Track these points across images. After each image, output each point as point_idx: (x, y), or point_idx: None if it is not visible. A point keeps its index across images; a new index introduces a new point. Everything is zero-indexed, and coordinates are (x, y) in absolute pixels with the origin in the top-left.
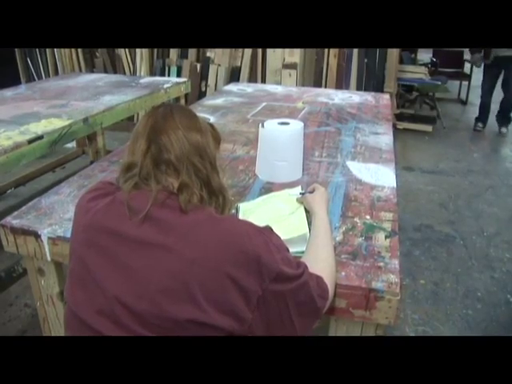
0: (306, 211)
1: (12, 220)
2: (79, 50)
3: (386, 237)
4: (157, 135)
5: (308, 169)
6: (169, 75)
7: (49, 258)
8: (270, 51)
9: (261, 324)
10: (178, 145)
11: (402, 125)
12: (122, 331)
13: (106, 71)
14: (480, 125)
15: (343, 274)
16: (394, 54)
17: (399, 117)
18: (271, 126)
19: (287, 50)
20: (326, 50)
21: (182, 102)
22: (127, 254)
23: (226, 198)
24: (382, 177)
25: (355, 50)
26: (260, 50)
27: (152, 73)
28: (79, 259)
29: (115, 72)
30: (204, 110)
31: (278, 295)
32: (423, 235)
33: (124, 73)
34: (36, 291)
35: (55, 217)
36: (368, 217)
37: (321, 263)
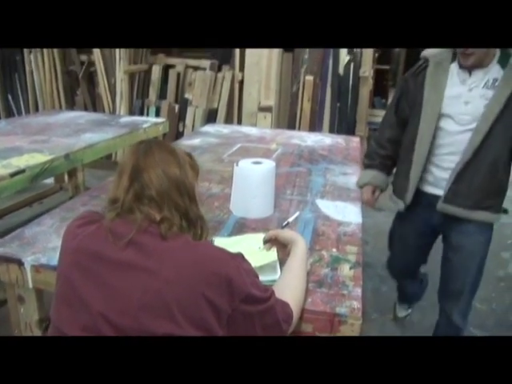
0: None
1: None
2: (60, 87)
3: (350, 268)
4: (138, 173)
5: (280, 205)
6: (147, 115)
7: (30, 286)
8: (246, 94)
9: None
10: (157, 182)
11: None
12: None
13: (86, 109)
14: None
15: (310, 300)
16: (364, 98)
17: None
18: (245, 164)
19: (263, 94)
20: (300, 94)
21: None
22: (111, 274)
23: (203, 227)
24: (348, 214)
25: (328, 95)
26: (237, 93)
27: (131, 112)
28: (66, 279)
29: (95, 110)
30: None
31: (246, 315)
32: None
33: (104, 111)
34: (15, 319)
35: (38, 246)
36: (334, 250)
37: (290, 291)
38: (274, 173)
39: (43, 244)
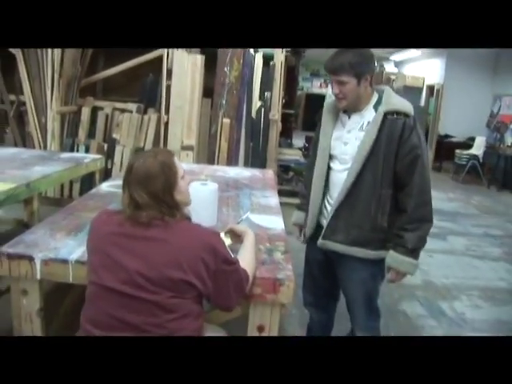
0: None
1: (7, 248)
2: None
3: (281, 254)
4: (131, 192)
5: (220, 219)
6: (77, 153)
7: (38, 277)
8: (170, 135)
9: (213, 290)
10: (143, 198)
11: (281, 199)
12: (139, 291)
13: (16, 146)
14: None
15: (257, 272)
16: (274, 138)
17: (279, 192)
18: (195, 185)
19: (185, 134)
20: (219, 134)
21: (97, 176)
22: (140, 245)
23: (180, 211)
24: (273, 223)
25: (242, 135)
26: (162, 133)
27: (62, 150)
28: (103, 252)
29: (25, 148)
30: None
31: (224, 272)
32: None
33: (34, 149)
34: (16, 310)
35: (41, 246)
36: (268, 244)
37: (246, 262)
38: (217, 191)
39: (45, 245)
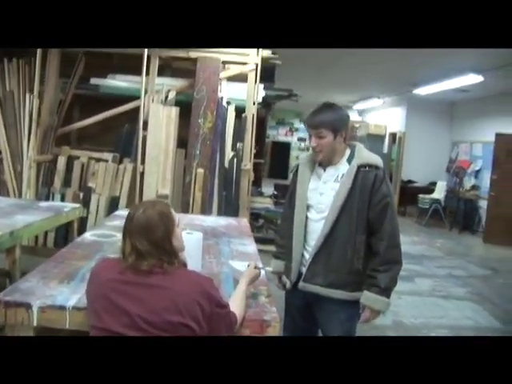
0: None
1: (4, 297)
2: None
3: (265, 297)
4: (132, 241)
5: (204, 266)
6: (53, 201)
7: (35, 324)
8: (146, 184)
9: (207, 332)
10: (145, 246)
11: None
12: (141, 333)
13: None
14: None
15: (246, 315)
16: (245, 187)
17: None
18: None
19: (160, 183)
20: (193, 184)
21: (75, 225)
22: (141, 291)
23: (177, 258)
24: None
25: (216, 185)
26: (138, 183)
27: (37, 198)
28: (105, 298)
29: None
30: (109, 227)
31: (217, 315)
32: None
33: (9, 197)
34: None
35: (37, 294)
36: (252, 289)
37: (236, 307)
38: (201, 240)
39: (41, 293)
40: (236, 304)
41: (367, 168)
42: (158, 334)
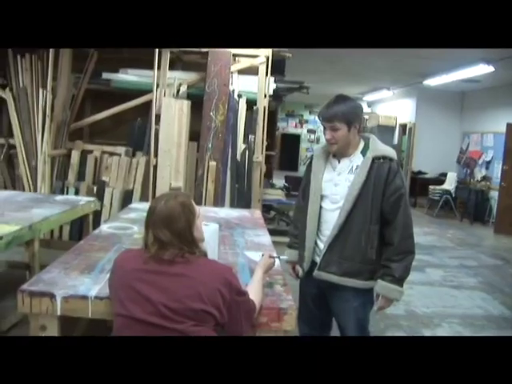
0: None
1: (28, 287)
2: None
3: (281, 286)
4: (155, 232)
5: (220, 256)
6: (67, 195)
7: (58, 313)
8: (159, 177)
9: (228, 319)
10: (167, 237)
11: None
12: (166, 321)
13: (5, 189)
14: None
15: (263, 304)
16: (257, 180)
17: None
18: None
19: (173, 176)
20: (205, 176)
21: (90, 218)
22: (164, 280)
23: (199, 247)
24: None
25: (228, 177)
26: (151, 176)
27: (52, 192)
28: (129, 287)
29: (14, 190)
30: (125, 220)
31: (237, 303)
32: None
33: (24, 191)
34: None
35: (60, 284)
36: (268, 278)
37: (254, 295)
38: (218, 231)
39: (64, 283)
40: (253, 292)
41: (381, 160)
42: (181, 320)
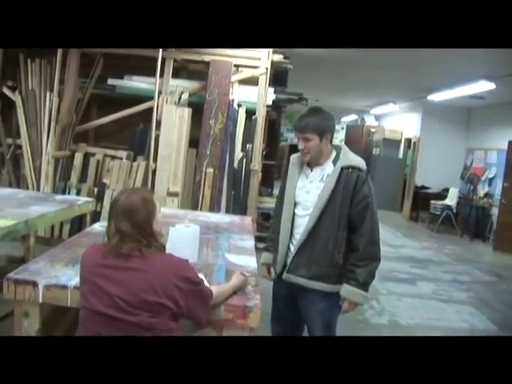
0: None
1: (14, 275)
2: None
3: (251, 287)
4: (116, 223)
5: (200, 257)
6: (69, 195)
7: (40, 301)
8: (158, 181)
9: (185, 308)
10: (127, 228)
11: (260, 245)
12: (121, 313)
13: (10, 187)
14: None
15: (231, 300)
16: (254, 187)
17: (260, 239)
18: (179, 226)
19: (171, 181)
20: (203, 182)
21: (88, 218)
22: (121, 274)
23: (157, 241)
24: (247, 262)
25: (225, 184)
26: (150, 180)
27: (54, 192)
28: (90, 281)
29: (19, 189)
30: None
31: (193, 292)
32: None
33: (28, 190)
34: (17, 330)
35: (44, 274)
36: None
37: (217, 288)
38: (198, 232)
39: (47, 273)
40: (219, 287)
41: (350, 170)
42: (136, 312)
